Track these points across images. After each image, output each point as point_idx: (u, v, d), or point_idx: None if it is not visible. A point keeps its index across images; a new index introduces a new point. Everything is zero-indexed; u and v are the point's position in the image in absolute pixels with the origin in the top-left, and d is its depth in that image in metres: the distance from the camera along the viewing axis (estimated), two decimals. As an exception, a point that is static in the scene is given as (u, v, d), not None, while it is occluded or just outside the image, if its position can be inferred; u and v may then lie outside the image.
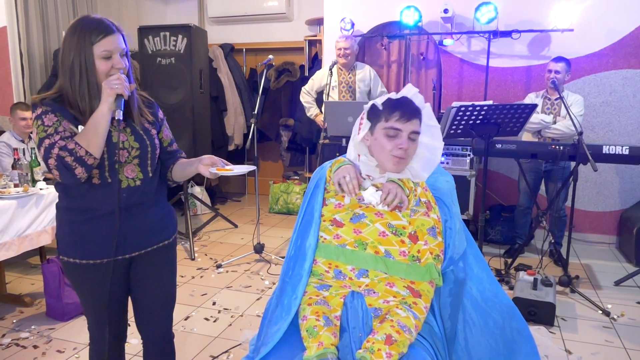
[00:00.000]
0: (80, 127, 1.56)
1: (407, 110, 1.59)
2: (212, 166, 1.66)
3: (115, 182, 1.61)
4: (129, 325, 1.91)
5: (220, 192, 6.39)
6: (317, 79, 4.78)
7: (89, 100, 1.58)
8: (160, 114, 1.82)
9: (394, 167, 1.62)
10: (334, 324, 1.48)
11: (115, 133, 1.58)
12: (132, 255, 1.71)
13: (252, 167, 1.77)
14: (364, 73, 4.65)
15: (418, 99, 1.64)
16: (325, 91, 4.61)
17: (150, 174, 1.71)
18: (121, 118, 1.56)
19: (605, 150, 3.20)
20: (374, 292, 1.54)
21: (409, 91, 1.65)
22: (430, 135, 1.68)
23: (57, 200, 1.70)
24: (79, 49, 1.54)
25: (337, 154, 4.53)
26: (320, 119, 4.80)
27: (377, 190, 1.60)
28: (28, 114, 3.82)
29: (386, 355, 1.35)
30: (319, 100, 4.88)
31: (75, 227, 1.63)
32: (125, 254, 1.69)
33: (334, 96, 4.62)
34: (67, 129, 1.55)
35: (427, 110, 1.67)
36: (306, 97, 4.87)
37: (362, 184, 1.65)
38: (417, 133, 1.62)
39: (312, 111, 4.85)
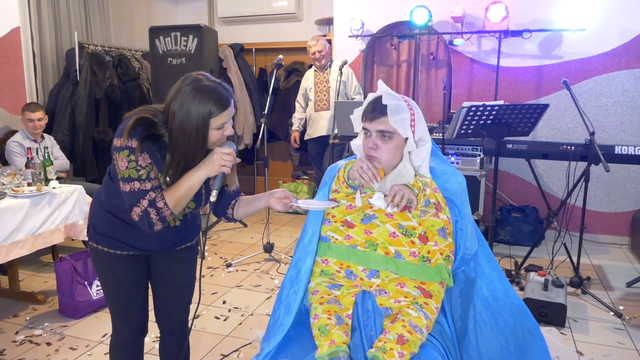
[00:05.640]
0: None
1: (372, 109, 1.60)
2: (284, 199, 1.63)
3: None
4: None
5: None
6: (302, 84, 4.89)
7: (185, 158, 1.50)
8: None
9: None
10: (346, 322, 1.48)
11: None
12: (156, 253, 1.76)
13: (333, 204, 1.66)
14: (335, 70, 4.53)
15: (389, 97, 1.59)
16: (315, 91, 4.73)
17: (190, 217, 1.74)
18: (214, 200, 1.52)
19: (617, 150, 3.18)
20: (385, 292, 1.54)
21: (380, 89, 1.63)
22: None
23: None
24: (199, 112, 1.45)
25: (347, 154, 4.55)
26: (295, 136, 4.95)
27: (384, 195, 1.60)
28: (35, 115, 3.84)
29: (398, 354, 1.36)
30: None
31: (112, 225, 1.67)
32: (150, 252, 1.75)
33: (312, 97, 4.74)
34: (156, 177, 1.51)
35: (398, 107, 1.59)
36: (297, 105, 4.96)
37: (372, 186, 1.65)
38: (386, 132, 1.58)
39: (294, 125, 4.95)
